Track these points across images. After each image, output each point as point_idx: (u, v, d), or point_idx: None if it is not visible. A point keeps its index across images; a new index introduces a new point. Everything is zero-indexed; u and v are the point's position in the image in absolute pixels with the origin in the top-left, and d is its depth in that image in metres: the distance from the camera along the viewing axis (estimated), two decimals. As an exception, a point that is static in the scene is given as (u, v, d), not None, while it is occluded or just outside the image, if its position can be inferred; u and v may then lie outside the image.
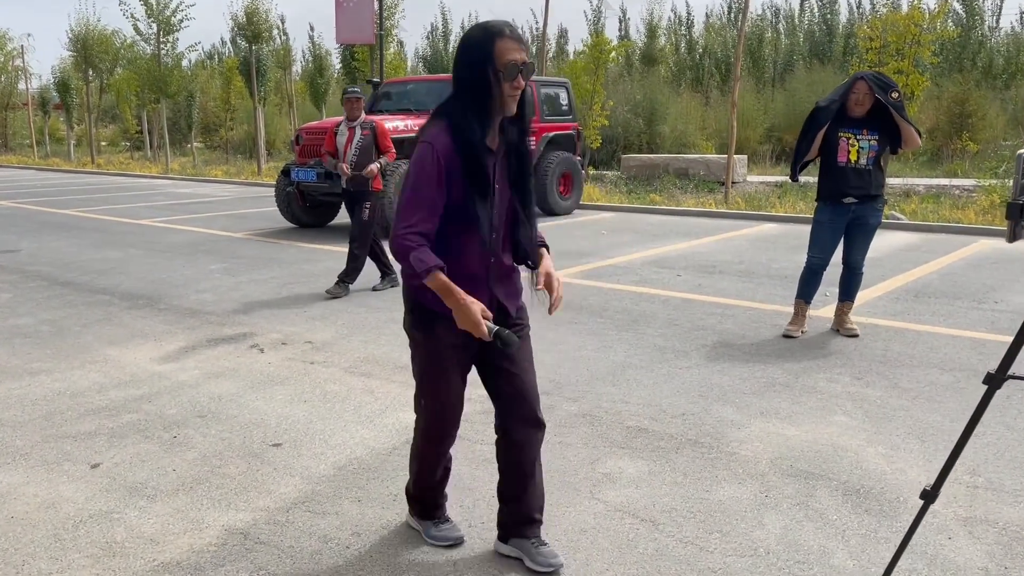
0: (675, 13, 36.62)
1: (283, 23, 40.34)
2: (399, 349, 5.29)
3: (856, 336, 5.41)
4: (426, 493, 2.85)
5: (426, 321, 2.54)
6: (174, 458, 3.64)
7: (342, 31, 16.79)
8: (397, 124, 10.65)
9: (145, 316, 6.28)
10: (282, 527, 3.00)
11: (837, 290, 5.60)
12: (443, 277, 2.35)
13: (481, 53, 2.33)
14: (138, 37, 23.52)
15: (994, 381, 1.91)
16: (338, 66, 27.11)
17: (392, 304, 6.58)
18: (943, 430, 3.80)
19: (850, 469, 3.42)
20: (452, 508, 3.05)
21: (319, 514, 3.10)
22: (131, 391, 4.54)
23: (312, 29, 33.96)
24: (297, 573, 2.70)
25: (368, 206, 7.04)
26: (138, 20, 22.68)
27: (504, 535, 2.77)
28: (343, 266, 7.30)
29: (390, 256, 6.69)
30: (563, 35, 40.21)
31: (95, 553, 2.84)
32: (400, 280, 7.19)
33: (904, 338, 5.39)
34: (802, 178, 7.21)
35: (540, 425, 2.66)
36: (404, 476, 3.41)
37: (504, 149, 2.47)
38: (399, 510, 3.11)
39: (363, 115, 7.06)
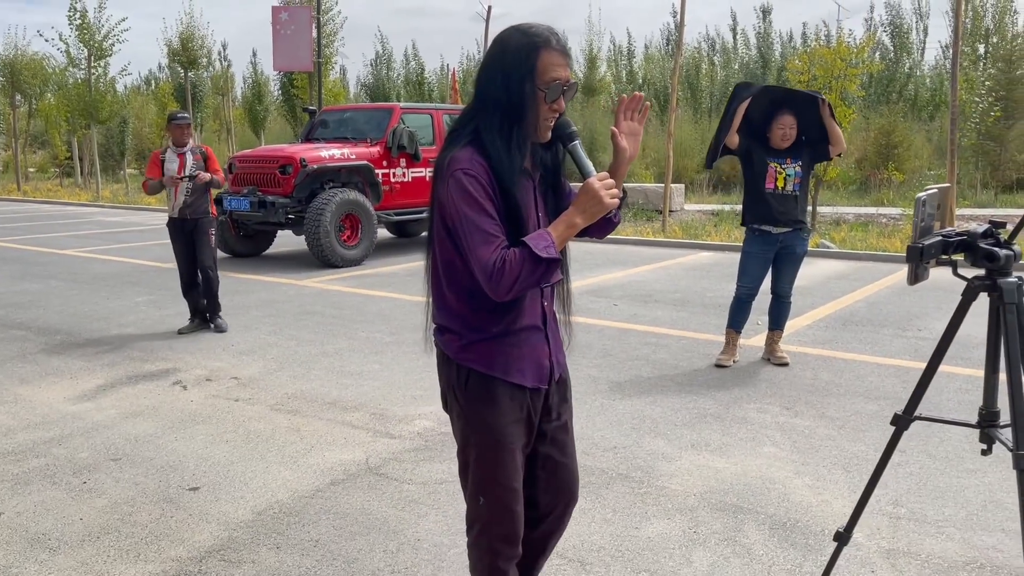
0: (615, 44, 37.07)
1: (224, 48, 39.86)
2: (329, 384, 5.16)
3: (786, 364, 5.48)
4: None
5: (484, 393, 2.05)
6: (82, 506, 3.45)
7: (279, 58, 16.63)
8: (334, 152, 10.55)
9: (62, 352, 6.02)
10: (193, 579, 2.86)
11: (767, 319, 5.67)
12: (552, 230, 1.90)
13: (522, 65, 1.91)
14: (67, 62, 22.90)
15: (901, 422, 1.92)
16: (277, 93, 26.83)
17: (324, 337, 6.44)
18: (867, 460, 3.84)
19: (777, 502, 3.42)
20: (375, 552, 2.94)
21: (234, 563, 2.96)
22: (40, 433, 4.32)
23: (255, 55, 33.54)
24: (206, 629, 2.56)
25: (212, 232, 6.81)
26: (67, 44, 22.11)
27: None
28: (272, 297, 7.13)
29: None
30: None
31: (-13, 613, 2.65)
32: (211, 324, 6.86)
33: (832, 367, 5.47)
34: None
35: (576, 500, 2.34)
36: (328, 520, 3.29)
37: (540, 174, 2.10)
38: (319, 556, 2.99)
39: (192, 141, 6.82)
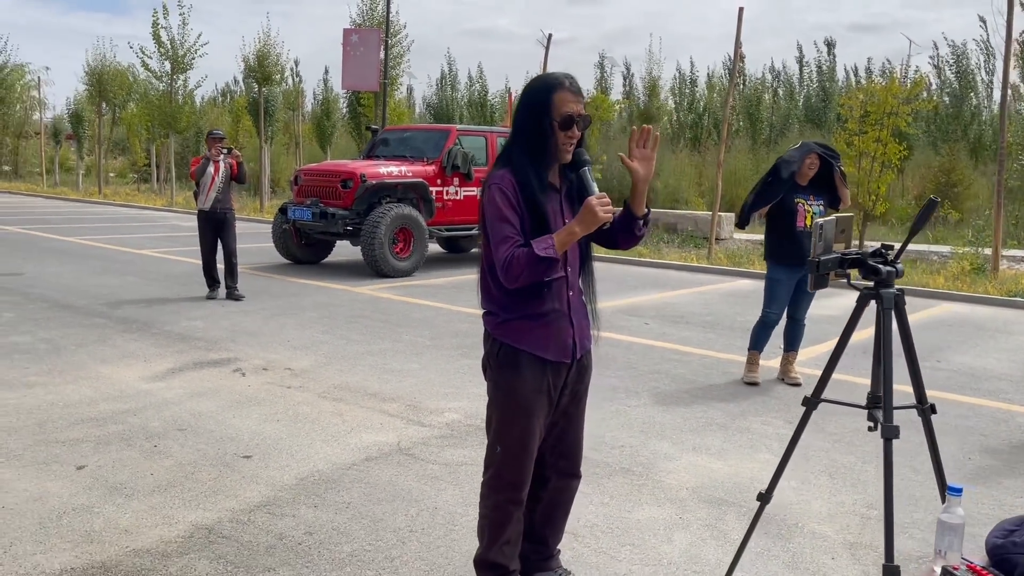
0: (680, 72, 37.41)
1: (296, 65, 41.47)
2: (371, 378, 5.68)
3: (799, 385, 5.80)
4: (495, 555, 2.68)
5: (511, 363, 2.55)
6: (152, 464, 4.00)
7: (348, 78, 17.47)
8: (392, 169, 11.19)
9: (137, 339, 6.68)
10: (243, 525, 3.36)
11: (782, 342, 6.00)
12: (555, 236, 2.37)
13: (540, 103, 2.44)
14: (149, 74, 24.26)
15: (809, 404, 2.32)
16: (345, 110, 27.89)
17: (371, 338, 6.98)
18: (853, 469, 4.17)
19: (761, 499, 3.78)
20: (397, 515, 3.41)
21: (277, 516, 3.46)
22: (118, 405, 4.92)
23: (326, 72, 34.84)
24: (252, 563, 3.05)
25: (234, 224, 8.84)
26: (149, 57, 23.46)
27: (527, 570, 2.88)
28: (327, 301, 7.72)
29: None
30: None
31: (75, 539, 3.19)
32: (219, 294, 8.73)
33: (840, 389, 5.76)
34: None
35: (578, 476, 2.83)
36: (360, 488, 3.78)
37: (565, 189, 2.59)
38: (350, 515, 3.48)
39: (224, 149, 8.70)
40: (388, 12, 19.15)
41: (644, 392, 5.56)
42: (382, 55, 17.78)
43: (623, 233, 2.60)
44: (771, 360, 6.41)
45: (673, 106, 35.75)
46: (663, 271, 12.81)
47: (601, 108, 18.58)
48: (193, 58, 23.56)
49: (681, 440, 4.60)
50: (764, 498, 2.53)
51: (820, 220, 2.28)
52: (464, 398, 5.24)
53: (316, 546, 3.19)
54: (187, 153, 31.07)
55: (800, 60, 36.68)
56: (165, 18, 22.87)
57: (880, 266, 2.18)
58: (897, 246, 2.27)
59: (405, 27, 22.27)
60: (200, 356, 6.19)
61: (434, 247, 13.59)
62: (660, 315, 8.55)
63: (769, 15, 65.70)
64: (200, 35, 23.87)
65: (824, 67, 35.21)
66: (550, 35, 18.10)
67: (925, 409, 2.34)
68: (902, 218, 21.42)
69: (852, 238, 2.37)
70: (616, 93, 35.49)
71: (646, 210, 2.55)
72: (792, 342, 5.90)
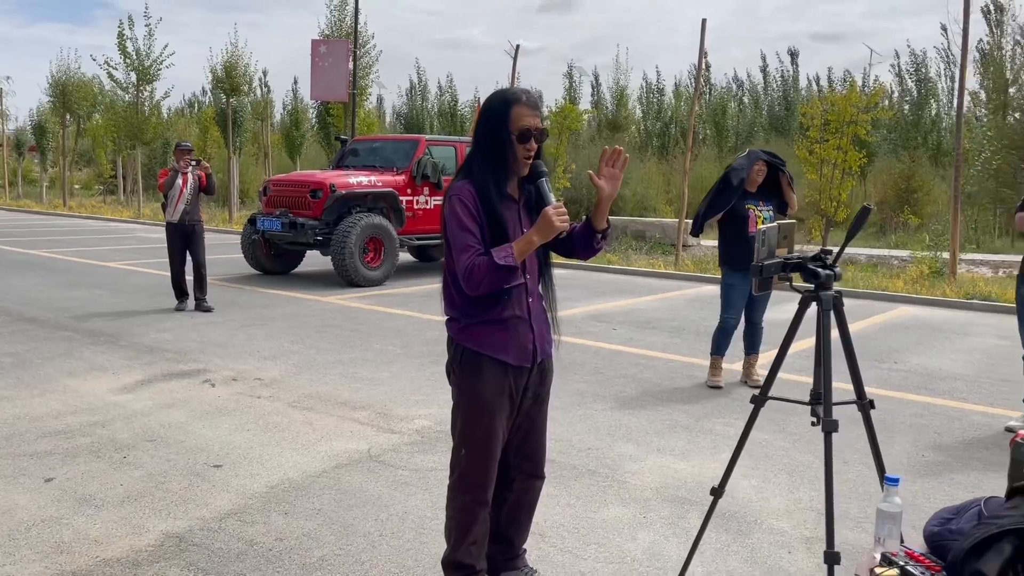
0: (647, 81, 37.80)
1: (265, 75, 41.15)
2: (342, 387, 5.72)
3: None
4: (462, 555, 2.74)
5: (474, 367, 2.63)
6: (122, 475, 4.02)
7: (317, 88, 17.49)
8: (361, 179, 11.24)
9: (105, 352, 6.65)
10: (213, 533, 3.40)
11: (743, 345, 6.14)
12: (514, 244, 2.47)
13: (499, 117, 2.53)
14: (115, 85, 24.05)
15: (757, 401, 2.43)
16: (314, 120, 27.84)
17: (341, 347, 7.01)
18: (811, 467, 4.30)
19: (723, 497, 3.88)
20: (367, 520, 3.47)
21: (248, 523, 3.50)
22: (86, 417, 4.91)
23: (295, 83, 34.67)
24: (222, 570, 3.09)
25: (203, 235, 8.88)
26: (115, 69, 23.25)
27: (494, 571, 2.96)
28: (297, 311, 7.75)
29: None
30: (540, 98, 41.42)
31: (44, 550, 3.21)
32: (188, 306, 8.73)
33: (802, 390, 5.89)
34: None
35: (541, 477, 2.94)
36: (330, 494, 3.83)
37: (524, 200, 2.67)
38: (320, 521, 3.53)
39: (192, 161, 8.78)
40: (356, 23, 19.19)
41: (610, 396, 5.66)
42: (351, 66, 17.81)
43: (582, 244, 2.70)
44: (734, 364, 6.55)
45: (641, 115, 36.14)
46: (631, 278, 12.97)
47: (570, 117, 18.71)
48: (159, 69, 23.41)
49: (646, 442, 4.70)
50: (717, 493, 2.64)
51: (763, 227, 2.40)
52: (434, 405, 5.30)
53: (286, 552, 3.24)
54: (154, 165, 30.83)
55: (764, 69, 37.33)
56: (131, 29, 22.73)
57: (819, 270, 2.31)
58: (838, 251, 2.39)
59: (374, 37, 22.36)
60: (169, 367, 6.19)
61: (405, 256, 13.64)
62: (627, 321, 8.68)
63: (734, 25, 66.72)
64: (166, 46, 23.69)
65: (787, 76, 35.87)
66: (518, 46, 18.27)
67: (864, 404, 2.46)
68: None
69: (795, 243, 2.49)
70: (585, 102, 35.82)
71: (606, 225, 2.66)
72: (752, 345, 6.04)
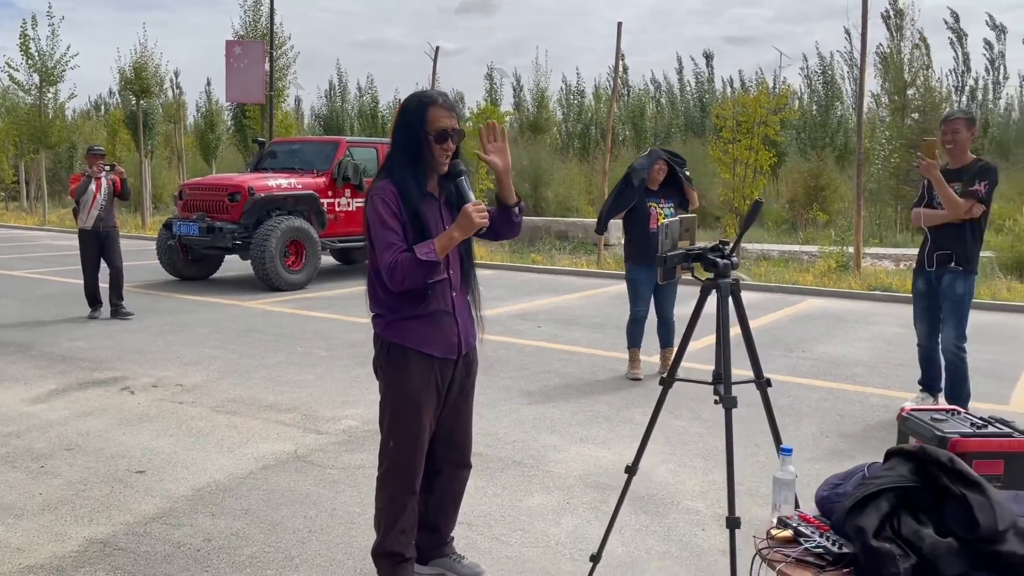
0: (567, 83, 38.30)
1: (176, 76, 39.97)
2: (266, 391, 5.70)
3: (693, 380, 6.14)
4: (391, 544, 2.82)
5: (400, 362, 2.71)
6: (40, 484, 3.94)
7: (232, 90, 17.15)
8: (281, 182, 11.11)
9: (16, 362, 6.44)
10: (139, 537, 3.38)
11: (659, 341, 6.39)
12: (436, 240, 2.56)
13: (415, 119, 2.63)
14: (16, 87, 23.04)
15: (665, 383, 2.61)
16: (230, 122, 27.23)
17: (264, 351, 6.96)
18: (724, 451, 4.51)
19: (642, 481, 4.06)
20: (296, 517, 3.50)
21: (174, 526, 3.49)
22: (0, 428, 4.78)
23: (209, 84, 33.75)
24: (150, 572, 3.09)
25: (119, 241, 8.66)
26: (16, 70, 22.29)
27: (423, 558, 3.05)
28: (218, 317, 7.64)
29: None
30: (460, 99, 41.42)
31: (-39, 562, 3.14)
32: (102, 314, 8.54)
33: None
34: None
35: (468, 466, 3.03)
36: (258, 494, 3.84)
37: (445, 197, 2.76)
38: (248, 520, 3.54)
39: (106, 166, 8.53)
40: (272, 23, 18.91)
41: (535, 391, 5.81)
42: (267, 67, 17.54)
43: (503, 225, 2.82)
44: (653, 356, 6.78)
45: (561, 117, 36.60)
46: (555, 277, 13.19)
47: (492, 119, 18.90)
48: (64, 70, 22.52)
49: (570, 433, 4.86)
50: (631, 471, 2.79)
51: (666, 221, 2.58)
52: (361, 405, 5.34)
53: (215, 552, 3.26)
54: (59, 169, 29.61)
55: (680, 72, 38.31)
56: (34, 28, 21.80)
57: (718, 260, 2.49)
58: (734, 242, 2.58)
59: (290, 38, 22.03)
60: (84, 376, 6.04)
61: (327, 259, 13.52)
62: (552, 318, 8.86)
63: (651, 28, 68.14)
64: (70, 46, 22.76)
65: (702, 79, 36.90)
66: (437, 48, 18.29)
67: (762, 383, 2.65)
68: (776, 220, 22.71)
69: (696, 236, 2.67)
70: (507, 104, 36.06)
71: (517, 198, 2.79)
72: (666, 339, 6.30)
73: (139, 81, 21.73)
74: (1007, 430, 2.83)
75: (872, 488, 1.88)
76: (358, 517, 3.59)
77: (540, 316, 8.98)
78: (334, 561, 3.20)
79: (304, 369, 6.35)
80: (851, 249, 13.46)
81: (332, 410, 5.26)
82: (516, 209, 2.79)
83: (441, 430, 2.90)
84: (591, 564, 2.89)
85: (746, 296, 11.50)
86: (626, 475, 2.83)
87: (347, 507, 3.71)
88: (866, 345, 7.66)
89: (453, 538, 3.11)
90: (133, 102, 23.03)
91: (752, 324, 7.92)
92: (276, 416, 5.11)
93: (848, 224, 16.87)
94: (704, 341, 7.32)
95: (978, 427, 2.86)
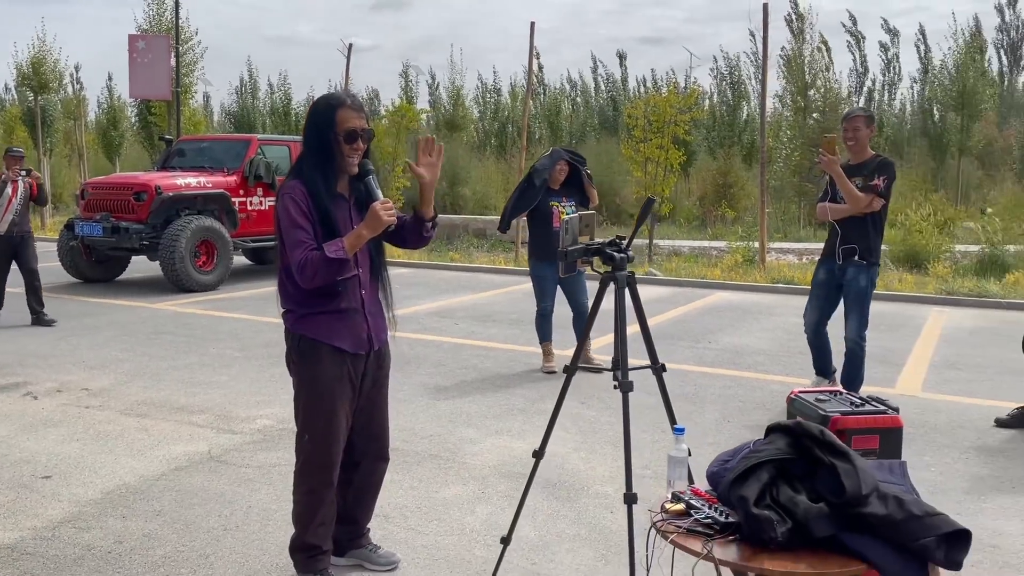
0: (483, 81, 38.40)
1: (77, 71, 38.28)
2: (178, 393, 5.61)
3: (600, 371, 6.29)
4: (310, 537, 2.88)
5: (311, 355, 2.76)
6: (-62, 493, 3.81)
7: (136, 86, 16.63)
8: (190, 180, 10.87)
9: (-94, 369, 6.15)
10: (48, 541, 3.33)
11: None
12: (345, 239, 2.61)
13: (325, 120, 2.69)
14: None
15: (568, 371, 2.75)
16: (134, 119, 26.31)
17: (176, 353, 6.83)
18: (633, 437, 4.70)
19: (554, 469, 4.22)
20: (210, 516, 3.50)
21: (84, 529, 3.44)
22: None
23: (110, 79, 32.48)
24: (60, 575, 3.05)
25: (34, 244, 8.37)
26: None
27: (340, 550, 3.10)
28: (126, 319, 7.45)
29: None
30: (375, 97, 40.94)
31: None
32: (45, 320, 8.26)
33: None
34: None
35: (386, 459, 3.10)
36: (170, 495, 3.81)
37: (355, 198, 2.80)
38: (161, 522, 3.52)
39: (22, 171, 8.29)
40: (177, 17, 18.39)
41: (452, 386, 5.90)
42: (173, 62, 17.05)
43: (412, 234, 2.90)
44: (567, 350, 6.96)
45: (478, 115, 36.73)
46: (474, 274, 13.28)
47: (407, 117, 18.79)
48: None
49: (485, 426, 4.97)
50: (538, 455, 2.92)
51: (566, 218, 2.72)
52: (276, 404, 5.32)
53: (127, 553, 3.23)
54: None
55: (595, 71, 38.97)
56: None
57: (615, 254, 2.64)
58: (629, 237, 2.73)
59: (197, 33, 21.44)
60: (-17, 383, 5.82)
61: (240, 259, 13.26)
62: (470, 315, 8.95)
63: (566, 28, 68.84)
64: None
65: (612, 79, 37.61)
66: (350, 45, 18.12)
67: (657, 369, 2.81)
68: (688, 217, 23.40)
69: (596, 232, 2.81)
70: (423, 102, 35.94)
71: (434, 213, 2.86)
72: (580, 331, 6.47)
73: (37, 76, 20.81)
74: (882, 408, 3.10)
75: (753, 461, 2.05)
76: (274, 514, 3.61)
77: (458, 313, 9.07)
78: (249, 557, 3.22)
79: (217, 370, 6.27)
80: (757, 244, 14.02)
81: (247, 410, 5.22)
82: (429, 223, 2.86)
83: (358, 423, 2.96)
84: (502, 547, 2.99)
85: (657, 290, 11.88)
86: (534, 459, 2.94)
87: (263, 504, 3.72)
88: (768, 335, 8.03)
89: (369, 529, 3.18)
90: (31, 98, 22.01)
91: (662, 317, 8.26)
92: (188, 418, 5.05)
93: (754, 220, 17.53)
94: (633, 329, 7.58)
95: (856, 406, 3.12)
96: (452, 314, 8.99)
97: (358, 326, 2.83)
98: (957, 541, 1.91)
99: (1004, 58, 34.53)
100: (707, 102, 30.55)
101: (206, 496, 3.81)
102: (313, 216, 2.68)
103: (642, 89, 36.90)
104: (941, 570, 1.96)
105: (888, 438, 3.01)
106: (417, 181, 2.79)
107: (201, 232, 10.43)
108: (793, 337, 7.86)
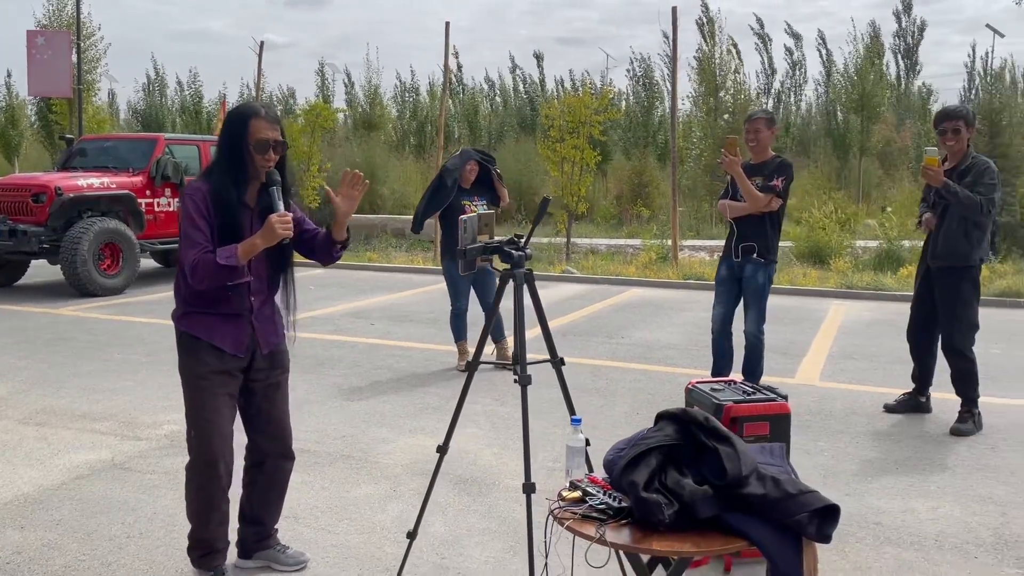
0: (401, 80, 38.13)
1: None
2: (80, 400, 5.44)
3: (513, 366, 6.40)
4: (202, 534, 2.94)
5: (191, 349, 2.85)
6: None
7: (35, 83, 15.91)
8: (92, 181, 10.50)
9: None
10: (-64, 557, 3.19)
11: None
12: (239, 246, 2.67)
13: (238, 129, 2.75)
14: None
15: (470, 367, 2.82)
16: (34, 118, 25.19)
17: (77, 360, 6.60)
18: (544, 433, 4.82)
19: (466, 465, 4.28)
20: (113, 524, 3.43)
21: (-23, 543, 3.32)
22: None
23: (9, 75, 30.90)
24: (-51, 592, 2.94)
25: None
26: None
27: (246, 552, 3.11)
28: (24, 326, 7.17)
29: None
30: (291, 95, 40.13)
31: None
32: None
33: (543, 368, 6.51)
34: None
35: (291, 458, 3.11)
36: (71, 504, 3.71)
37: (260, 207, 2.84)
38: (61, 531, 3.43)
39: None
40: (79, 12, 17.66)
41: (366, 387, 5.89)
42: (74, 58, 16.39)
43: (322, 252, 2.98)
44: (487, 348, 7.03)
45: (396, 114, 36.47)
46: (391, 274, 13.22)
47: (323, 116, 18.53)
48: None
49: (399, 425, 4.99)
50: (442, 450, 2.97)
51: (464, 217, 2.79)
52: (183, 410, 5.20)
53: (26, 563, 3.14)
54: None
55: (513, 71, 39.18)
56: None
57: (513, 252, 2.71)
58: (527, 236, 2.82)
59: (100, 28, 20.73)
60: None
61: (148, 262, 12.86)
62: (386, 315, 8.92)
63: (484, 28, 69.04)
64: None
65: (529, 80, 37.92)
66: (262, 43, 17.80)
67: (556, 362, 2.90)
68: (605, 216, 23.80)
69: (495, 230, 2.88)
70: (339, 100, 35.49)
71: (346, 236, 2.94)
72: (498, 333, 6.55)
73: (-77, 70, 19.67)
74: (771, 396, 3.26)
75: (643, 447, 2.15)
76: (180, 519, 3.54)
77: (374, 314, 9.03)
78: (154, 563, 3.17)
79: (122, 376, 6.10)
80: (670, 242, 14.40)
81: (152, 416, 5.11)
82: (339, 245, 2.94)
83: (258, 421, 3.00)
84: (408, 541, 3.03)
85: (574, 288, 12.06)
86: (438, 455, 3.00)
87: (168, 510, 3.66)
88: (679, 330, 8.28)
89: (277, 530, 3.18)
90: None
91: (578, 314, 8.48)
92: (91, 425, 4.90)
93: (666, 219, 17.99)
94: (536, 330, 7.73)
95: (748, 395, 3.28)
96: (368, 314, 8.95)
97: (241, 331, 2.88)
98: (827, 516, 2.05)
99: (901, 62, 36.24)
100: (624, 103, 31.12)
101: (109, 504, 3.72)
102: (213, 220, 2.73)
103: (559, 90, 37.37)
104: (816, 544, 2.10)
105: (778, 424, 3.17)
106: (334, 208, 2.84)
107: (105, 234, 10.08)
108: (703, 331, 8.12)
